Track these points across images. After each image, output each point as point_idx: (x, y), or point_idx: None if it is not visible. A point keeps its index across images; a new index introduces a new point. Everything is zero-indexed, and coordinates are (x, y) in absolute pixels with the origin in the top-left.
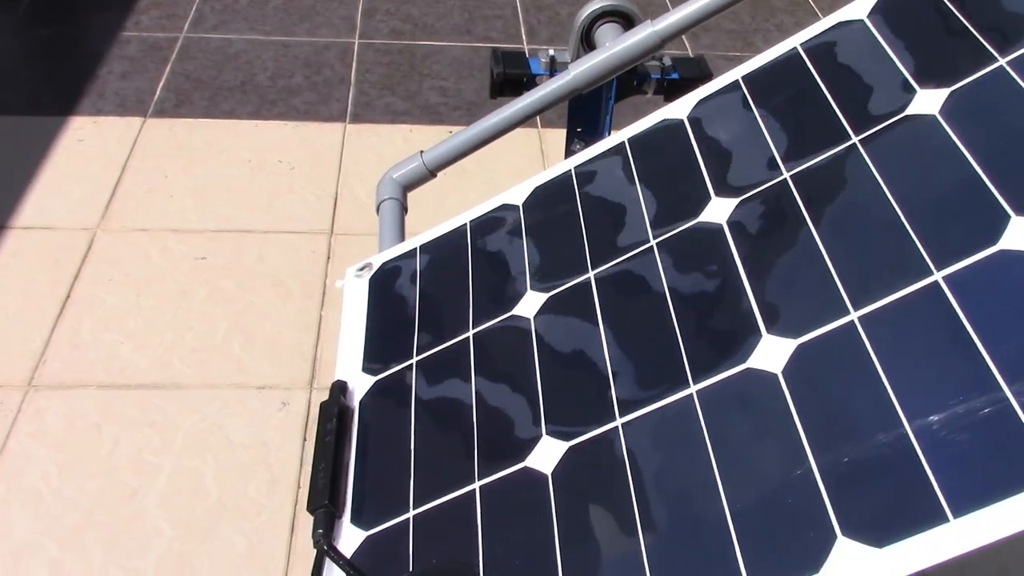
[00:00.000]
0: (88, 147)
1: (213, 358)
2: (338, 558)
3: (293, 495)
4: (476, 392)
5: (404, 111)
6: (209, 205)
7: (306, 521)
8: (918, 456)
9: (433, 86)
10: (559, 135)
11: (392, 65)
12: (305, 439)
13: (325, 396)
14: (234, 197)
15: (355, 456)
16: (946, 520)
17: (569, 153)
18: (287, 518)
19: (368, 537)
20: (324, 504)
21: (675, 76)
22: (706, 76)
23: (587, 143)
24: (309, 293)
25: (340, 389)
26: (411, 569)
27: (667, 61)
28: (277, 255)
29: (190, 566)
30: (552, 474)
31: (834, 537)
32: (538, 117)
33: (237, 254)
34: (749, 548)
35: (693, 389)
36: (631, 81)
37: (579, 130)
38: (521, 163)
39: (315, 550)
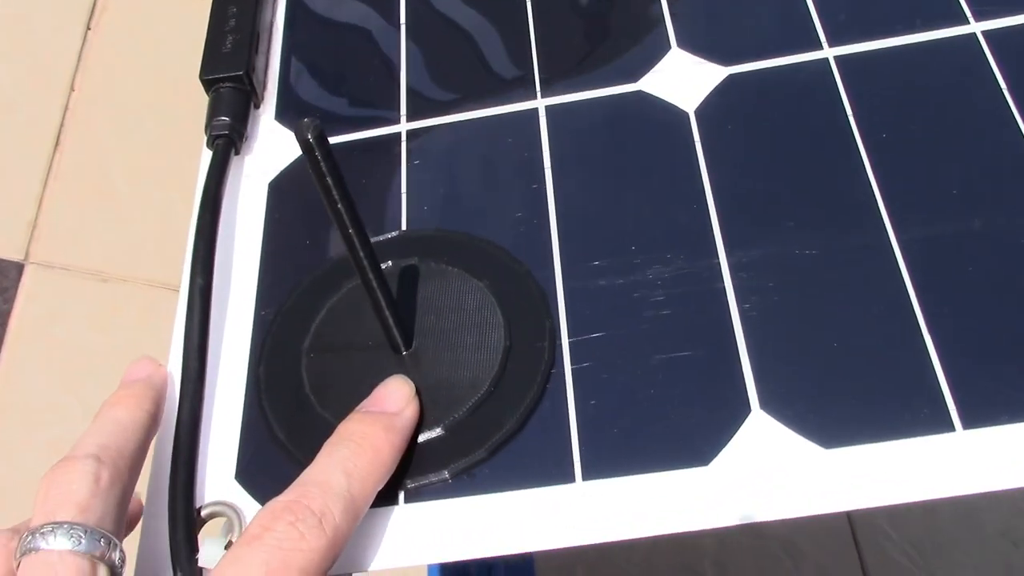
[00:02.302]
0: None
1: None
2: (324, 156)
3: (63, 100)
4: None
5: None
6: None
7: (76, 138)
8: None
9: None
10: None
11: None
12: (89, 28)
13: None
14: None
15: (286, 21)
16: None
17: None
18: (49, 135)
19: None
20: (235, 76)
21: None
22: None
23: None
24: None
25: None
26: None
27: None
28: None
29: None
30: (697, 112)
31: None
32: None
33: None
34: None
35: (977, 27)
36: None
37: None
38: None
39: (212, 149)
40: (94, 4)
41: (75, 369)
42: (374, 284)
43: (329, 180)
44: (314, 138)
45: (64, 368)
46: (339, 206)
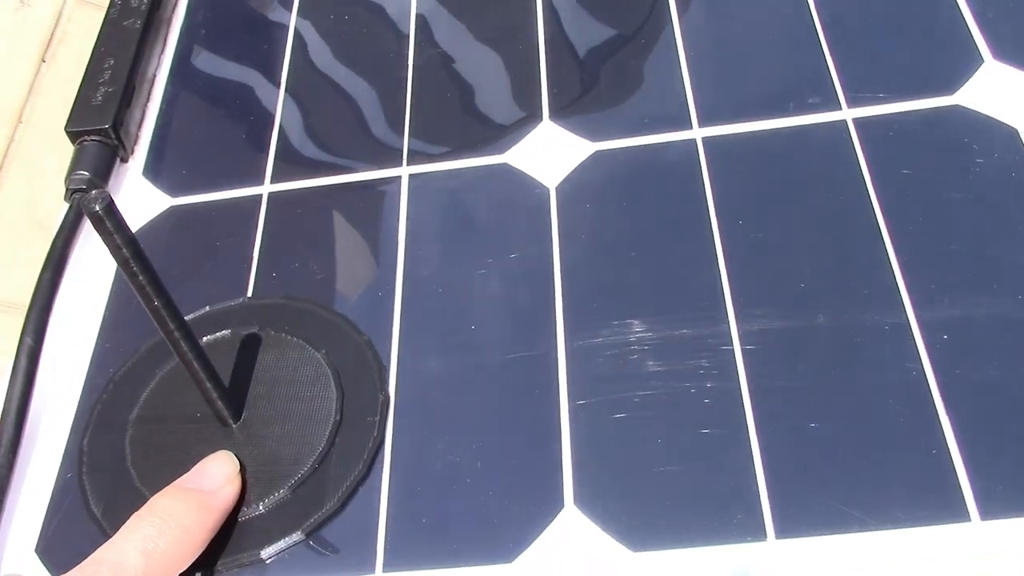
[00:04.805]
0: None
1: None
2: (115, 227)
3: (9, 131)
4: (416, 42)
5: None
6: None
7: (17, 171)
8: None
9: None
10: None
11: None
12: (44, 60)
13: (86, 7)
14: None
15: (170, 74)
16: None
17: None
18: None
19: (173, 208)
20: (101, 129)
21: None
22: None
23: None
24: None
25: None
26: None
27: None
28: None
29: None
30: (558, 188)
31: None
32: None
33: None
34: None
35: (848, 114)
36: None
37: None
38: None
39: (69, 203)
40: (51, 35)
41: None
42: (189, 357)
43: (126, 252)
44: (102, 209)
45: None
46: (140, 279)
